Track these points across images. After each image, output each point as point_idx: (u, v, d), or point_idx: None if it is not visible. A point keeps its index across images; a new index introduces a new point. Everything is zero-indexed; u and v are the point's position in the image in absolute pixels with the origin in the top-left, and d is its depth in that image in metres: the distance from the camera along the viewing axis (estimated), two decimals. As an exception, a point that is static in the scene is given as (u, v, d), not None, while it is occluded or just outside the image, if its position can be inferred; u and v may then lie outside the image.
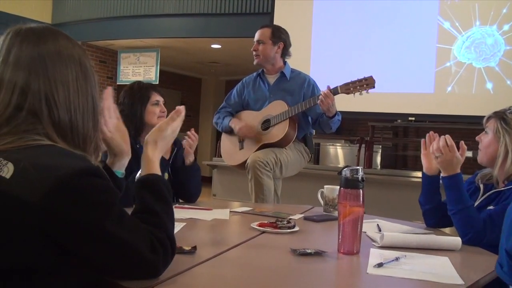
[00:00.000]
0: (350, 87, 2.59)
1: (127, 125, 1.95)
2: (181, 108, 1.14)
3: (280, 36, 2.83)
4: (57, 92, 0.88)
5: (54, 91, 0.88)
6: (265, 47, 2.80)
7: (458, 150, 1.53)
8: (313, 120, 2.82)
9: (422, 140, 1.67)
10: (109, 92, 1.13)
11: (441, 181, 1.61)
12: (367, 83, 2.57)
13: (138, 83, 2.14)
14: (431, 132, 1.63)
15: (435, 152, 1.53)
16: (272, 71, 2.87)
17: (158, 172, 1.02)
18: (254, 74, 2.96)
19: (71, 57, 0.91)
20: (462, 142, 1.54)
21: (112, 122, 1.13)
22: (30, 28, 0.91)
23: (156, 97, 2.07)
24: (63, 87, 0.89)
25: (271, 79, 2.89)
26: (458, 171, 1.52)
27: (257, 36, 2.85)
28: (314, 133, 2.99)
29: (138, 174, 1.05)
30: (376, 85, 2.60)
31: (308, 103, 2.65)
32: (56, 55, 0.89)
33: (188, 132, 2.06)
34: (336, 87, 2.60)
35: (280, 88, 2.84)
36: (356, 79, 2.60)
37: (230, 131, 2.91)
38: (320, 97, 2.54)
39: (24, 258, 0.79)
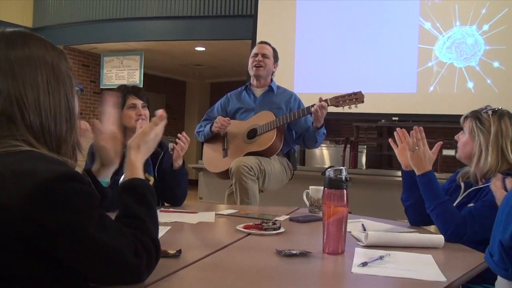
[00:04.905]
0: (340, 101, 2.69)
1: None
2: (163, 113, 1.13)
3: (278, 58, 2.99)
4: (26, 94, 0.86)
5: (23, 94, 0.86)
6: (270, 62, 2.92)
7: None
8: (298, 134, 2.85)
9: (390, 139, 1.72)
10: (108, 98, 1.12)
11: None
12: (356, 97, 2.68)
13: (119, 87, 2.13)
14: (398, 129, 1.68)
15: (412, 147, 1.58)
16: (261, 85, 2.94)
17: (142, 177, 1.02)
18: (239, 88, 3.02)
19: (42, 60, 0.90)
20: (438, 143, 1.59)
21: (108, 128, 1.12)
22: (1, 33, 0.90)
23: (132, 101, 2.05)
24: (32, 89, 0.87)
25: (258, 92, 2.95)
26: (430, 168, 1.58)
27: (262, 49, 2.93)
28: (297, 151, 3.04)
29: (121, 179, 1.05)
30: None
31: (297, 114, 2.70)
32: (24, 58, 0.88)
33: (179, 135, 2.04)
34: (326, 99, 2.66)
35: (267, 101, 2.90)
36: (345, 93, 2.70)
37: (212, 138, 2.93)
38: (316, 106, 2.60)
39: (4, 266, 0.77)
